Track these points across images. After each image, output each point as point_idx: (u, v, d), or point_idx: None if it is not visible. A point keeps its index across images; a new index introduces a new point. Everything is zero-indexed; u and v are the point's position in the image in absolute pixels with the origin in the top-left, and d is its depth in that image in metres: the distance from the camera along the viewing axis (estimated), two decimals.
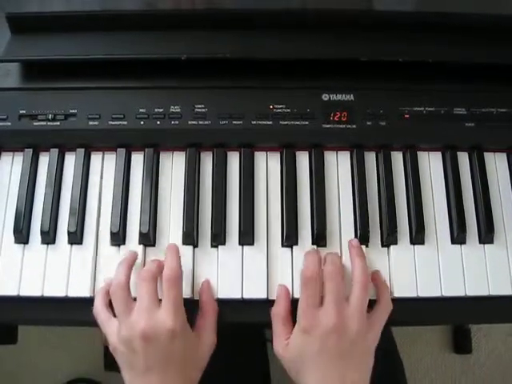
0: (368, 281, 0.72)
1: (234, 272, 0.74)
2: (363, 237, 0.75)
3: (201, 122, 0.78)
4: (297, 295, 0.73)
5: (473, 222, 0.78)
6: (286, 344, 0.71)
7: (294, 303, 0.71)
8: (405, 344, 1.05)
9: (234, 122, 0.78)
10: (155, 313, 0.68)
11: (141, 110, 0.78)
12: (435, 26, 0.81)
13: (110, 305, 0.72)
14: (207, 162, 0.79)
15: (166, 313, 0.68)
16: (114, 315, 0.71)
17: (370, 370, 0.71)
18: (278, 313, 0.72)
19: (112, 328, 0.70)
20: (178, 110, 0.78)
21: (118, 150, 0.79)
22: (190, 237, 0.74)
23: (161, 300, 0.70)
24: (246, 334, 1.05)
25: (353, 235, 0.76)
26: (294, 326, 0.71)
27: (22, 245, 0.75)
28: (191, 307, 0.71)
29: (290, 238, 0.75)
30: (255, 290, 0.73)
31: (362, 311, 0.70)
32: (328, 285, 0.70)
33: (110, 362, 1.61)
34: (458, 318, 0.80)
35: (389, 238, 0.75)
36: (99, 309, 0.71)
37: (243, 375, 1.00)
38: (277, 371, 1.01)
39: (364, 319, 0.69)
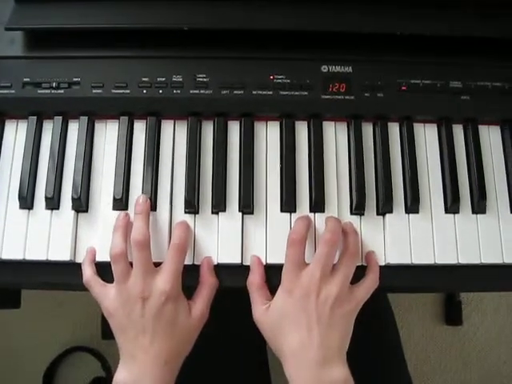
0: (357, 252, 0.74)
1: (233, 238, 0.76)
2: (359, 205, 0.77)
3: (202, 91, 0.79)
4: None
5: (466, 192, 0.79)
6: (264, 309, 0.73)
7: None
8: (397, 315, 1.07)
9: (235, 92, 0.79)
10: (152, 277, 0.71)
11: (143, 79, 0.79)
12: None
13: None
14: (208, 130, 0.80)
15: (164, 276, 0.71)
16: (106, 281, 0.73)
17: (348, 339, 0.72)
18: (252, 281, 0.74)
19: (108, 294, 0.72)
20: (180, 79, 0.79)
21: (121, 117, 0.80)
22: (191, 204, 0.76)
23: (160, 263, 0.72)
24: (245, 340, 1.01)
25: (349, 204, 0.78)
26: (270, 292, 0.74)
27: (27, 210, 0.77)
28: (191, 272, 0.74)
29: (288, 205, 0.76)
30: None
31: (346, 280, 0.72)
32: (320, 250, 0.72)
33: (108, 331, 1.64)
34: (450, 285, 0.82)
35: (384, 207, 0.77)
36: (91, 278, 0.73)
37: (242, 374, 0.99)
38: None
39: (346, 288, 0.72)
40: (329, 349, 0.70)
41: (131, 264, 0.72)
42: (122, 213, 0.76)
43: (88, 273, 0.73)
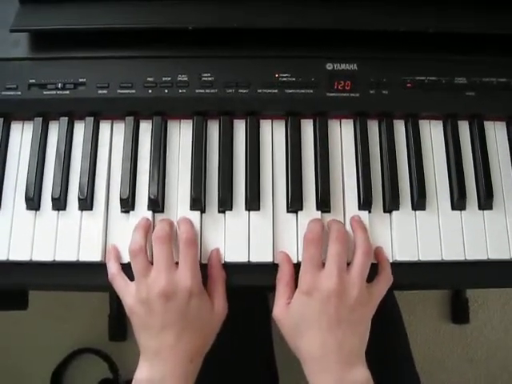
0: (370, 249, 0.73)
1: (240, 236, 0.76)
2: (366, 203, 0.77)
3: (207, 91, 0.79)
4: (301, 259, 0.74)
5: (472, 188, 0.79)
6: (285, 307, 0.72)
7: (298, 267, 0.73)
8: (403, 313, 1.08)
9: (241, 91, 0.79)
10: (173, 273, 0.70)
11: (149, 79, 0.79)
12: None
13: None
14: (214, 129, 0.80)
15: (184, 273, 0.71)
16: (129, 279, 0.73)
17: (366, 339, 0.72)
18: (281, 277, 0.74)
19: (129, 291, 0.72)
20: (186, 79, 0.79)
21: (127, 118, 0.80)
22: (198, 202, 0.76)
23: (177, 262, 0.72)
24: (253, 332, 1.03)
25: (356, 201, 0.78)
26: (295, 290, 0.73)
27: (34, 211, 0.77)
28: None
29: (295, 204, 0.76)
30: (261, 254, 0.75)
31: (363, 279, 0.71)
32: (332, 249, 0.72)
33: (115, 333, 1.65)
34: (457, 282, 0.82)
35: (391, 204, 0.77)
36: (116, 274, 0.73)
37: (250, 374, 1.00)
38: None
39: (364, 288, 0.71)
40: (350, 351, 0.70)
41: (151, 263, 0.72)
42: (144, 217, 0.76)
43: (113, 269, 0.73)
